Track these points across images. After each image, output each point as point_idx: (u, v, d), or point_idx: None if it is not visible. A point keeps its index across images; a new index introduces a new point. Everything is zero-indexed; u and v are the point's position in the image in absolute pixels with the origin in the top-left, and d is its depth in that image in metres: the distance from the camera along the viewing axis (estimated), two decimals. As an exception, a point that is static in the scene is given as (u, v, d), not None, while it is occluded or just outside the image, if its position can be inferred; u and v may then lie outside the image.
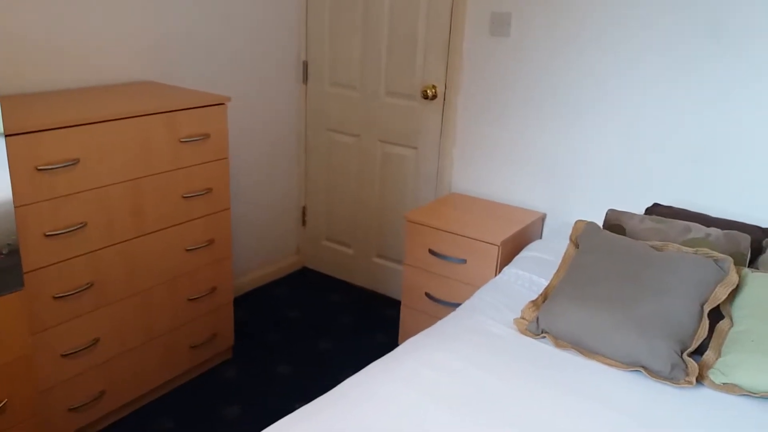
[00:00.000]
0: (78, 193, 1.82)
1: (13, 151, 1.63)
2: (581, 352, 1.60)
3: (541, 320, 1.65)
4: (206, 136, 2.16)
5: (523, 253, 2.19)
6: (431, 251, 2.39)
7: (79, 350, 1.92)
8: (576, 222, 1.88)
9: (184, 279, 2.23)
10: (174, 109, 2.03)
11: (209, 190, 2.23)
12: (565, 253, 1.84)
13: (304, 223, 3.42)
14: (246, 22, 2.77)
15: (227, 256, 2.39)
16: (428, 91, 2.73)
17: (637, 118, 2.28)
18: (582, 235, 1.84)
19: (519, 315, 1.73)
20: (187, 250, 2.21)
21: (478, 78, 2.61)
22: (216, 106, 2.17)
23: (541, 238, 2.58)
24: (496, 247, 2.23)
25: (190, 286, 2.26)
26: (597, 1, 2.26)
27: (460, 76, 2.66)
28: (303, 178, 3.33)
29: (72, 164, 1.78)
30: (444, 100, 2.74)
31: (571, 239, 1.87)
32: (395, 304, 3.05)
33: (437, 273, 2.40)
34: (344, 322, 2.92)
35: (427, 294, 2.44)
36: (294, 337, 2.77)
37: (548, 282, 1.87)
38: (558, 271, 1.80)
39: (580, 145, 2.43)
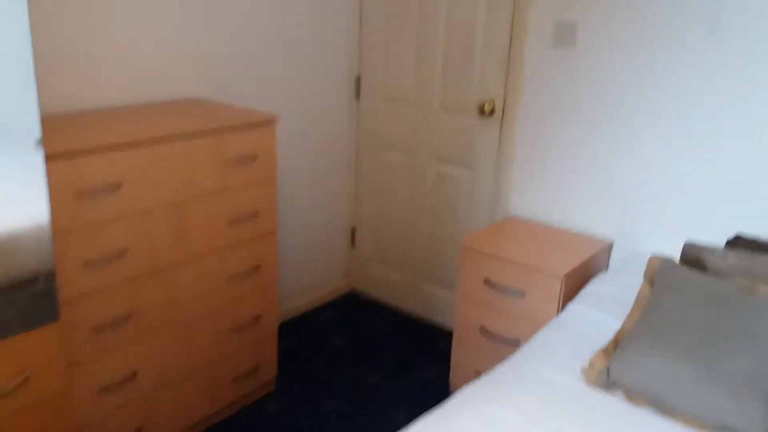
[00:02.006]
0: (119, 217, 1.76)
1: (53, 174, 1.58)
2: (659, 410, 1.41)
3: (612, 370, 1.46)
4: (254, 157, 2.08)
5: (590, 288, 1.99)
6: (487, 281, 2.22)
7: (117, 384, 1.85)
8: (650, 258, 1.69)
9: (227, 308, 2.14)
10: (220, 129, 1.95)
11: (255, 214, 2.14)
12: (639, 293, 1.65)
13: (353, 244, 3.31)
14: (298, 36, 2.70)
15: (273, 282, 2.30)
16: (486, 106, 2.58)
17: (716, 137, 2.06)
18: (658, 273, 1.64)
19: (587, 363, 1.55)
20: (232, 276, 2.13)
21: (541, 92, 2.44)
22: (264, 126, 2.09)
23: (607, 269, 2.37)
24: (559, 280, 2.05)
25: (233, 316, 2.17)
26: (674, 7, 2.06)
27: (520, 90, 2.50)
28: (353, 197, 3.22)
29: (114, 188, 1.72)
30: (503, 115, 2.58)
31: (645, 277, 1.68)
32: (446, 336, 2.89)
33: (493, 305, 2.23)
34: (392, 353, 2.78)
35: (481, 328, 2.27)
36: (340, 368, 2.64)
37: (620, 325, 1.67)
38: (632, 313, 1.61)
39: (651, 167, 2.22)
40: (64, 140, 1.68)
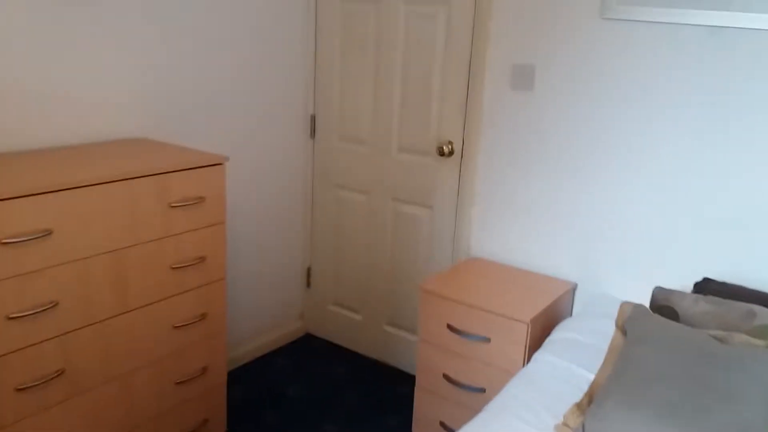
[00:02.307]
0: (50, 267, 1.59)
1: (-28, 223, 1.41)
2: (638, 470, 1.32)
3: (588, 428, 1.38)
4: (201, 199, 1.94)
5: (556, 334, 1.92)
6: (450, 327, 2.13)
7: (45, 450, 1.65)
8: (622, 304, 1.63)
9: (171, 360, 1.97)
10: (165, 171, 1.82)
11: (202, 259, 1.99)
12: (612, 342, 1.58)
13: (308, 285, 3.17)
14: (249, 74, 2.60)
15: (221, 331, 2.14)
16: (444, 148, 2.52)
17: (678, 176, 2.05)
18: (630, 320, 1.58)
19: (559, 419, 1.45)
20: (176, 327, 1.96)
21: (500, 133, 2.40)
22: (213, 167, 1.96)
23: (571, 312, 2.31)
24: (525, 325, 1.97)
25: (177, 368, 2.00)
26: (631, 49, 2.06)
27: (479, 131, 2.45)
28: (308, 237, 3.10)
29: (44, 236, 1.55)
30: (462, 156, 2.52)
31: (617, 324, 1.61)
32: (408, 380, 2.76)
33: (457, 352, 2.13)
34: (352, 400, 2.64)
35: (445, 375, 2.17)
36: (295, 419, 2.48)
37: (593, 377, 1.60)
38: (604, 364, 1.54)
39: (613, 207, 2.19)
40: (-13, 182, 1.51)
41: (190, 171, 1.89)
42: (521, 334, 1.98)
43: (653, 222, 2.12)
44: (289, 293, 3.09)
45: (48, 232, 1.56)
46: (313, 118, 2.94)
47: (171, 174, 1.84)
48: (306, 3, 2.79)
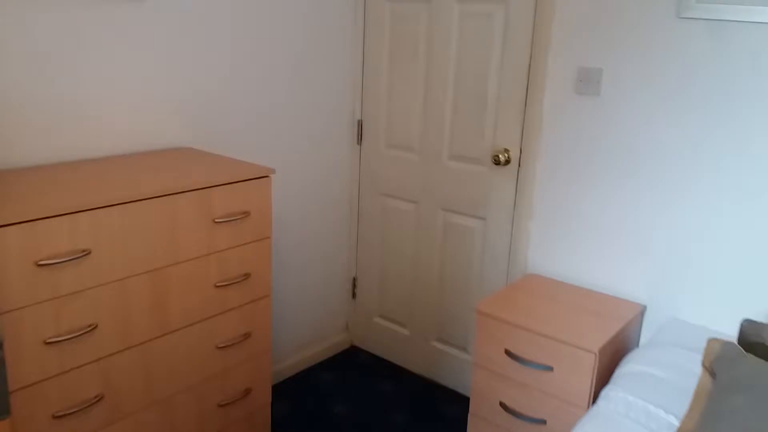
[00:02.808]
0: (88, 289, 1.51)
1: (7, 244, 1.34)
2: None
3: (675, 487, 1.21)
4: (246, 214, 1.84)
5: (628, 367, 1.74)
6: (508, 352, 1.97)
7: (83, 479, 1.58)
8: (709, 341, 1.44)
9: (213, 382, 1.88)
10: (208, 185, 1.72)
11: (247, 276, 1.90)
12: (699, 386, 1.40)
13: (354, 296, 3.06)
14: (294, 78, 2.49)
15: (266, 350, 2.04)
16: (500, 156, 2.36)
17: (760, 192, 1.83)
18: (719, 360, 1.40)
19: (640, 472, 1.29)
20: (219, 347, 1.87)
21: (561, 142, 2.23)
22: (259, 179, 1.86)
23: (639, 338, 2.13)
24: (593, 356, 1.80)
25: (220, 390, 1.91)
26: (714, 51, 1.85)
27: (538, 139, 2.28)
28: (354, 246, 2.98)
29: (82, 256, 1.47)
30: (519, 165, 2.36)
31: (704, 364, 1.43)
32: (458, 399, 2.62)
33: (515, 379, 1.98)
34: (400, 420, 2.51)
35: (501, 404, 2.01)
36: (340, 441, 2.37)
37: (674, 420, 1.42)
38: (691, 411, 1.36)
39: (688, 224, 1.99)
40: (22, 202, 1.44)
41: (235, 184, 1.79)
42: (588, 365, 1.81)
43: (737, 242, 1.91)
44: (333, 304, 2.99)
45: (86, 253, 1.48)
46: (360, 124, 2.82)
47: (215, 188, 1.74)
48: (354, 6, 2.66)
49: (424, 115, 2.60)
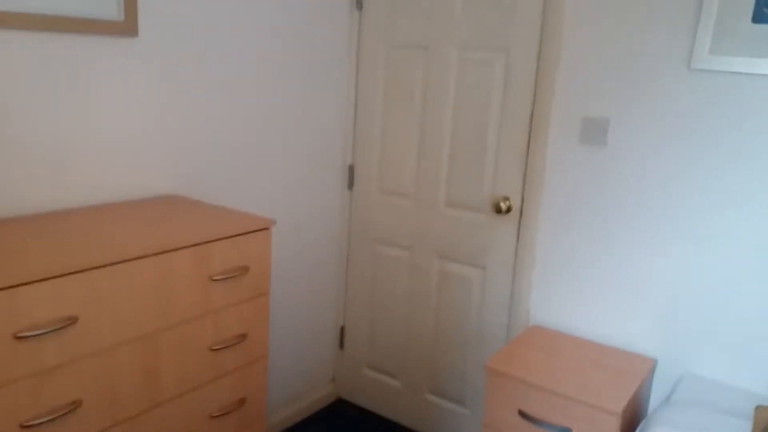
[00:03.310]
0: (73, 361, 1.34)
1: (-16, 316, 1.17)
2: None
3: None
4: (244, 270, 1.70)
5: (653, 430, 1.65)
6: (522, 413, 1.86)
7: None
8: (757, 409, 1.37)
9: (205, 456, 1.70)
10: (205, 240, 1.58)
11: (243, 337, 1.74)
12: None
13: (342, 346, 2.91)
14: (285, 124, 2.38)
15: (260, 415, 1.87)
16: (501, 204, 2.28)
17: (785, 250, 1.81)
18: None
19: None
20: (213, 416, 1.70)
21: (565, 191, 2.17)
22: (258, 232, 1.72)
23: (650, 396, 2.05)
24: (617, 417, 1.70)
25: (212, 464, 1.73)
26: (725, 105, 1.84)
27: (541, 188, 2.22)
28: (342, 294, 2.85)
29: (67, 325, 1.31)
30: (521, 214, 2.29)
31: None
32: (457, 460, 2.48)
33: (529, 443, 1.86)
34: (396, 485, 2.35)
35: (515, 470, 1.89)
36: None
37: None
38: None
39: (696, 272, 1.94)
40: None
41: (234, 238, 1.65)
42: (611, 427, 1.71)
43: (750, 291, 1.87)
44: (320, 355, 2.83)
45: (72, 321, 1.31)
46: (351, 169, 2.72)
47: (212, 243, 1.60)
48: (347, 50, 2.59)
49: (419, 161, 2.52)
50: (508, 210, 2.30)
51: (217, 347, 1.66)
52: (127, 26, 1.75)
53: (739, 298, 1.89)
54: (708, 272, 1.93)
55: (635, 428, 1.90)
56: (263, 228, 1.73)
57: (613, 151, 2.06)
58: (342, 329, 2.90)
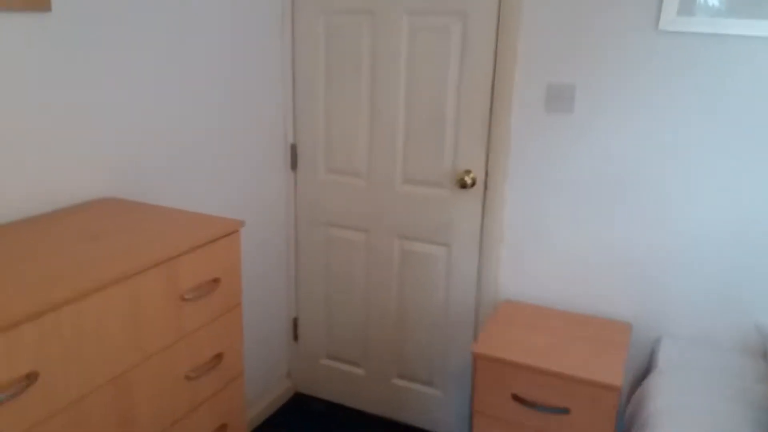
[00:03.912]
0: (36, 425, 1.09)
1: None
2: None
3: None
4: (216, 282, 1.48)
5: (652, 403, 1.65)
6: (516, 397, 1.81)
7: None
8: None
9: (190, 495, 1.50)
10: (172, 255, 1.34)
11: (219, 358, 1.54)
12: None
13: (296, 338, 2.74)
14: (218, 106, 2.12)
15: (241, 437, 1.69)
16: (465, 179, 2.19)
17: (757, 208, 1.85)
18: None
19: None
20: (193, 451, 1.50)
21: (532, 161, 2.10)
22: (227, 237, 1.51)
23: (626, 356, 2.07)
24: (616, 393, 1.69)
25: (198, 502, 1.53)
26: (695, 67, 1.82)
27: (506, 159, 2.14)
28: (293, 283, 2.66)
29: (25, 387, 1.05)
30: (485, 188, 2.20)
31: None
32: (434, 442, 2.43)
33: (526, 425, 1.82)
34: (378, 479, 2.26)
35: (513, 454, 1.85)
36: None
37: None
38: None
39: (667, 238, 1.97)
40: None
41: (203, 248, 1.43)
42: (610, 403, 1.70)
43: (720, 253, 1.91)
44: (273, 350, 2.64)
45: (31, 380, 1.06)
46: (294, 148, 2.50)
47: (181, 258, 1.37)
48: (280, 18, 2.33)
49: (371, 136, 2.35)
50: (473, 184, 2.21)
51: (193, 374, 1.45)
52: None
53: (707, 258, 1.93)
54: (677, 235, 1.95)
55: (623, 396, 1.91)
56: (232, 232, 1.52)
57: (580, 118, 2.01)
58: (295, 321, 2.72)
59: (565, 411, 1.76)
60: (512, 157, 2.14)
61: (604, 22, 1.90)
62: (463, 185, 2.19)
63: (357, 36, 2.27)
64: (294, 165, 2.52)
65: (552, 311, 2.14)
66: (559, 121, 2.04)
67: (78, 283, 1.14)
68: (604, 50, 1.92)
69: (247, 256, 2.37)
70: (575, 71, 1.97)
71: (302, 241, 2.60)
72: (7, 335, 1.01)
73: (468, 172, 2.21)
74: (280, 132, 2.45)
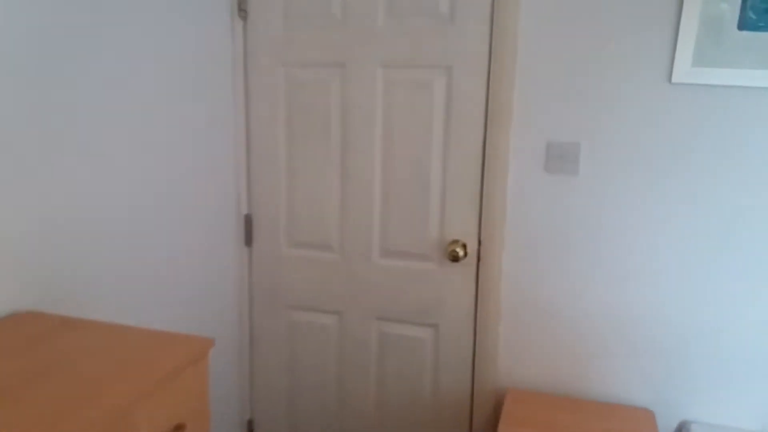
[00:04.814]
0: None
1: None
2: None
3: None
4: (180, 429, 1.09)
5: None
6: None
7: None
8: None
9: None
10: (126, 403, 0.95)
11: None
12: None
13: (253, 443, 2.31)
14: (157, 177, 1.75)
15: None
16: (457, 250, 1.90)
17: (763, 274, 1.67)
18: None
19: None
20: None
21: (532, 229, 1.85)
22: (195, 363, 1.12)
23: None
24: None
25: None
26: (713, 121, 1.65)
27: (502, 227, 1.88)
28: (247, 377, 2.25)
29: None
30: (479, 259, 1.93)
31: None
32: None
33: None
34: None
35: None
36: None
37: None
38: None
39: (686, 312, 1.75)
40: None
41: (163, 386, 1.04)
42: None
43: (740, 330, 1.71)
44: (231, 464, 2.20)
45: None
46: (249, 220, 2.14)
47: (138, 402, 0.97)
48: (231, 71, 2.00)
49: (342, 203, 2.03)
50: (464, 255, 1.92)
51: None
52: None
53: (730, 334, 1.73)
54: (695, 308, 1.74)
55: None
56: (199, 357, 1.13)
57: (587, 179, 1.78)
58: (250, 423, 2.30)
59: None
60: (509, 224, 1.88)
61: (611, 74, 1.70)
62: (455, 257, 1.90)
63: (324, 91, 1.97)
64: (249, 240, 2.15)
65: (563, 400, 1.86)
66: (563, 184, 1.80)
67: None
68: (613, 104, 1.72)
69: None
70: (580, 128, 1.76)
71: (259, 329, 2.21)
72: None
73: (458, 241, 1.93)
74: (231, 202, 2.08)
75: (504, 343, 1.95)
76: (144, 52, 1.59)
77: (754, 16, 1.54)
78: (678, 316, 1.77)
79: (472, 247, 1.93)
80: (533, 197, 1.83)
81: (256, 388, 2.26)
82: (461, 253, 1.90)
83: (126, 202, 1.58)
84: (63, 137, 1.36)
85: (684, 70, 1.63)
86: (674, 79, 1.64)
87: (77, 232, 1.43)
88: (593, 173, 1.77)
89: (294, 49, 1.97)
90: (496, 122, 1.82)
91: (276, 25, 1.97)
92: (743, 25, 1.56)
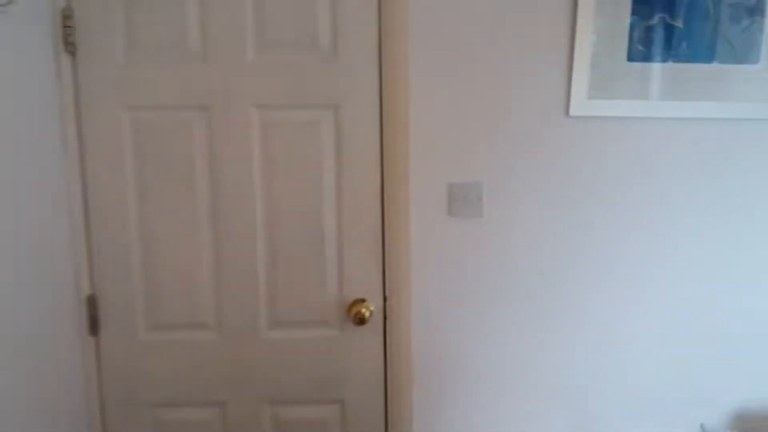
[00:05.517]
0: None
1: None
2: None
3: None
4: None
5: None
6: None
7: None
8: None
9: None
10: None
11: None
12: None
13: None
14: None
15: None
16: (362, 311, 1.67)
17: (684, 309, 1.69)
18: None
19: None
20: None
21: (439, 280, 1.69)
22: None
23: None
24: None
25: None
26: (611, 151, 1.64)
27: (407, 279, 1.69)
28: (107, 504, 1.77)
29: None
30: (385, 317, 1.71)
31: None
32: None
33: None
34: None
35: None
36: None
37: None
38: None
39: (610, 348, 1.71)
40: None
41: None
42: None
43: (662, 359, 1.71)
44: None
45: None
46: (93, 302, 1.69)
47: None
48: (57, 118, 1.59)
49: (217, 269, 1.69)
50: (369, 315, 1.69)
51: None
52: None
53: (652, 369, 1.71)
54: (616, 351, 1.71)
55: None
56: None
57: (492, 220, 1.67)
58: None
59: None
60: (415, 274, 1.69)
61: (510, 110, 1.62)
62: (361, 319, 1.66)
63: (185, 138, 1.64)
64: (95, 327, 1.70)
65: (492, 462, 1.70)
66: (468, 227, 1.67)
67: None
68: (513, 141, 1.63)
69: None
70: (481, 167, 1.64)
71: (116, 435, 1.75)
72: None
73: (362, 300, 1.69)
74: (68, 281, 1.63)
75: (418, 408, 1.75)
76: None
77: (641, 48, 1.56)
78: (599, 361, 1.71)
79: (377, 305, 1.70)
80: (438, 244, 1.67)
81: None
82: (367, 313, 1.67)
83: None
84: None
85: (580, 102, 1.60)
86: (572, 112, 1.60)
87: None
88: (498, 214, 1.66)
89: (141, 89, 1.61)
90: (392, 164, 1.64)
91: (115, 61, 1.60)
92: (632, 56, 1.57)
